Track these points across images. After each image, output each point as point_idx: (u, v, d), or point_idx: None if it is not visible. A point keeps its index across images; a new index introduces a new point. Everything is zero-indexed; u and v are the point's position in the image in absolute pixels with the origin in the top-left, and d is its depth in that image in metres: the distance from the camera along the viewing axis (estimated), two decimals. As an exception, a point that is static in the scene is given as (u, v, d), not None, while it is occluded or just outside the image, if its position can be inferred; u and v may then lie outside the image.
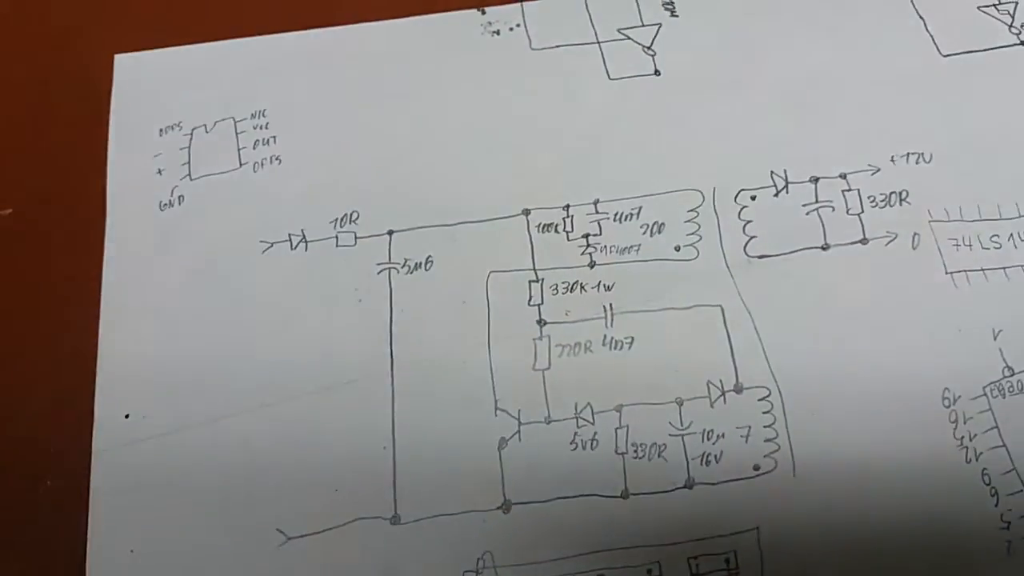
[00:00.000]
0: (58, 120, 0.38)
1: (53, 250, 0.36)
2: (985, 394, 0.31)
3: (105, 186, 0.37)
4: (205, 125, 0.38)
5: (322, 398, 0.32)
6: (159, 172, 0.37)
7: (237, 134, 0.37)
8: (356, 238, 0.35)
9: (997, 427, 0.31)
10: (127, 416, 0.33)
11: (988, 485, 0.30)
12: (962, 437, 0.31)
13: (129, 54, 0.39)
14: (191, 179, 0.37)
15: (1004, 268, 0.33)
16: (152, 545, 0.31)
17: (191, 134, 0.37)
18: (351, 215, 0.35)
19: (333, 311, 0.34)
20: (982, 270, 0.33)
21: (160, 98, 0.38)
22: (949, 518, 0.29)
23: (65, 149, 0.38)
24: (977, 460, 0.30)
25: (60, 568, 0.31)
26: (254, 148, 0.37)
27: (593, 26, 0.38)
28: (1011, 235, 0.33)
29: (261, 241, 0.35)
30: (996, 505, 0.30)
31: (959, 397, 0.31)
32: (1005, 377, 0.31)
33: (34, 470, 0.33)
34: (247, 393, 0.33)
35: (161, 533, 0.31)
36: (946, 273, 0.33)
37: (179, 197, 0.36)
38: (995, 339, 0.32)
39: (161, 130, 0.38)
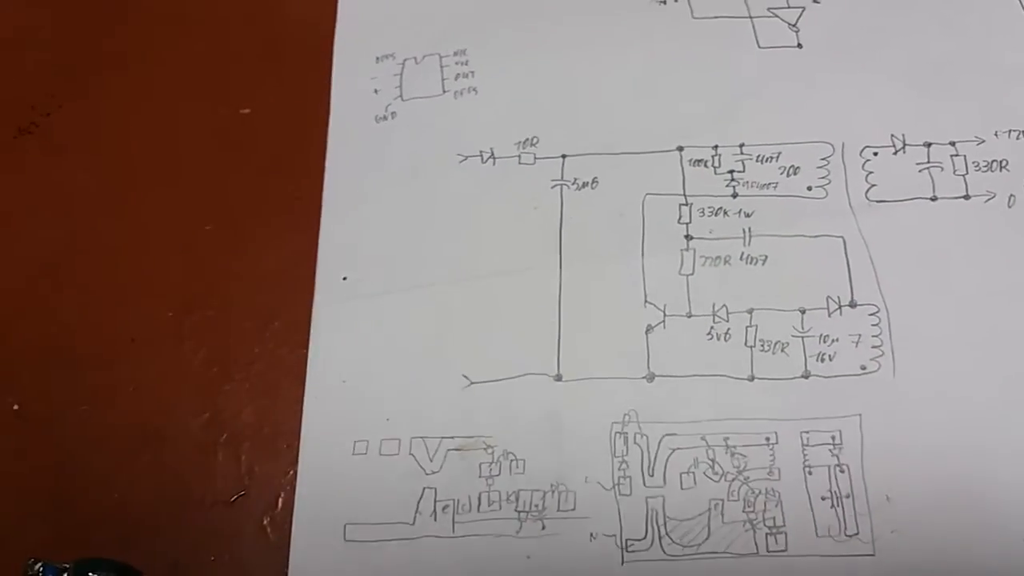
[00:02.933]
0: (292, 43, 0.46)
1: (284, 145, 0.44)
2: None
3: (329, 99, 0.45)
4: (415, 57, 0.45)
5: (503, 279, 0.40)
6: (375, 92, 0.45)
7: (442, 67, 0.45)
8: (535, 158, 0.42)
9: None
10: (344, 278, 0.40)
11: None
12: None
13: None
14: (402, 100, 0.44)
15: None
16: (360, 379, 0.38)
17: (403, 64, 0.45)
18: (532, 139, 0.43)
19: (514, 215, 0.41)
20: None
21: (378, 31, 0.46)
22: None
23: (297, 66, 0.46)
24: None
25: (283, 387, 0.38)
26: (455, 80, 0.44)
27: (747, 4, 0.45)
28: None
29: (457, 154, 0.43)
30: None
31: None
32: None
33: (265, 313, 0.40)
34: (442, 269, 0.40)
35: (368, 370, 0.38)
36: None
37: (392, 113, 0.44)
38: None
39: (377, 58, 0.45)
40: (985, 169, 0.40)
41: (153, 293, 0.40)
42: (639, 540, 0.34)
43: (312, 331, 0.39)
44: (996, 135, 0.41)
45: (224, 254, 0.41)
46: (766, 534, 0.34)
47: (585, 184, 0.41)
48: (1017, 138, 0.41)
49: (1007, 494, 0.34)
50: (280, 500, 0.36)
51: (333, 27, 0.46)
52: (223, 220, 0.42)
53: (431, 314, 0.39)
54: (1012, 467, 0.35)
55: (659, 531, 0.34)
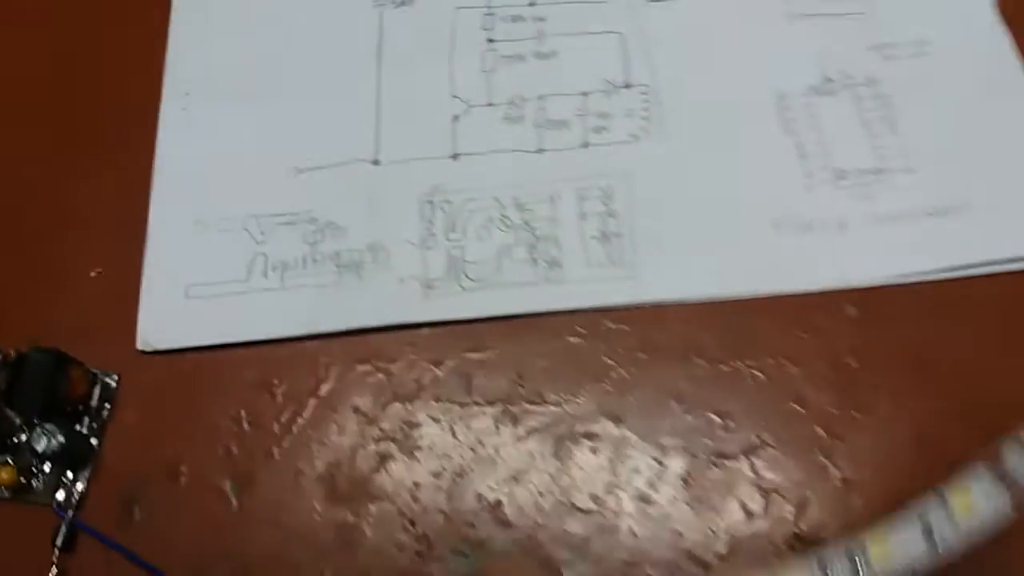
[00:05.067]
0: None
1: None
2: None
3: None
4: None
5: (328, 82, 0.46)
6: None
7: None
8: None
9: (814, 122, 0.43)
10: (187, 94, 0.46)
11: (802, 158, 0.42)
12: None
13: None
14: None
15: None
16: (201, 173, 0.44)
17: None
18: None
19: (340, 29, 0.47)
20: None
21: None
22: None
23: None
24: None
25: (134, 182, 0.44)
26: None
27: None
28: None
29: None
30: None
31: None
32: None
33: (118, 120, 0.46)
34: (277, 81, 0.46)
35: (209, 165, 0.44)
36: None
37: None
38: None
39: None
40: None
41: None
42: (440, 279, 0.40)
43: (159, 134, 0.45)
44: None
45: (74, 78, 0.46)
46: (545, 267, 0.40)
47: (403, 3, 0.47)
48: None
49: (745, 226, 0.40)
50: (131, 272, 0.41)
51: None
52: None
53: (266, 118, 0.45)
54: (751, 208, 0.41)
55: (457, 272, 0.40)
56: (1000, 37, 0.43)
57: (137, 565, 0.36)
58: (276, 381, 0.39)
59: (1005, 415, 0.34)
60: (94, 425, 0.39)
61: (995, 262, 0.38)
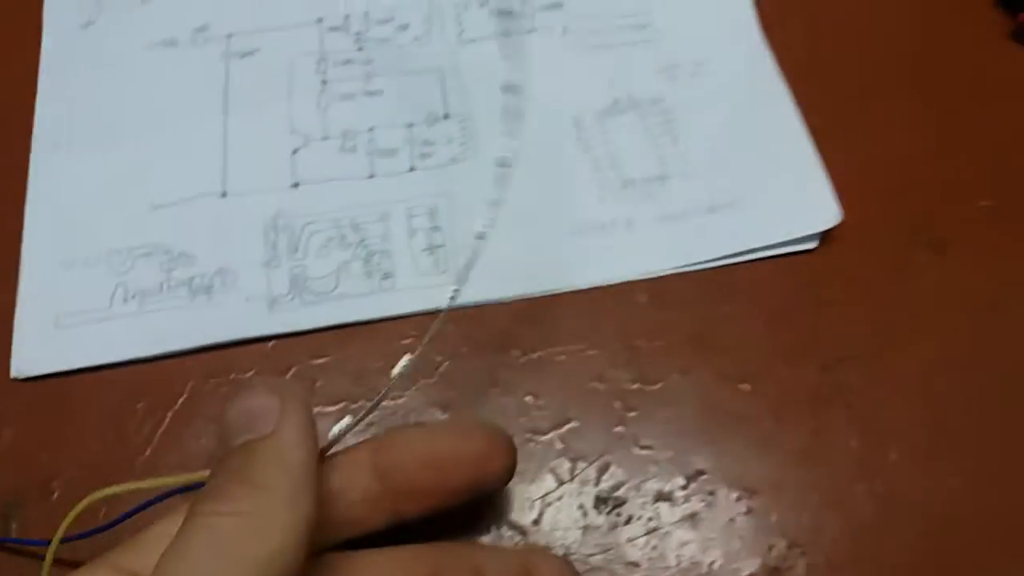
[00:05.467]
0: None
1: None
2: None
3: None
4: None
5: (180, 125, 0.51)
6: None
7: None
8: (206, 40, 0.53)
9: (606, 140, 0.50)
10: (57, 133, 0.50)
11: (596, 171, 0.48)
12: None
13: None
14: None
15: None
16: (68, 212, 0.48)
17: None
18: (203, 26, 0.54)
19: (191, 79, 0.52)
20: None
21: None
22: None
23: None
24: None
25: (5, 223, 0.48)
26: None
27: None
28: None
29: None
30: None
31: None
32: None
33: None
34: (133, 126, 0.51)
35: (75, 204, 0.49)
36: None
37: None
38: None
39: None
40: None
41: None
42: (284, 295, 0.45)
43: (30, 181, 0.49)
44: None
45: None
46: (380, 279, 0.45)
47: (247, 54, 0.52)
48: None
49: (551, 233, 0.46)
50: (3, 306, 0.45)
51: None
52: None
53: (125, 161, 0.49)
54: (555, 217, 0.47)
55: (299, 287, 0.45)
56: (763, 53, 0.50)
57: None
58: (138, 398, 0.43)
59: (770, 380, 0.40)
60: (-32, 451, 0.42)
61: (759, 248, 0.45)
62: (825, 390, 0.41)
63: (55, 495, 0.41)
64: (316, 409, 0.42)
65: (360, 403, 0.43)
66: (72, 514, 0.35)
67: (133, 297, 0.45)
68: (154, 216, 0.48)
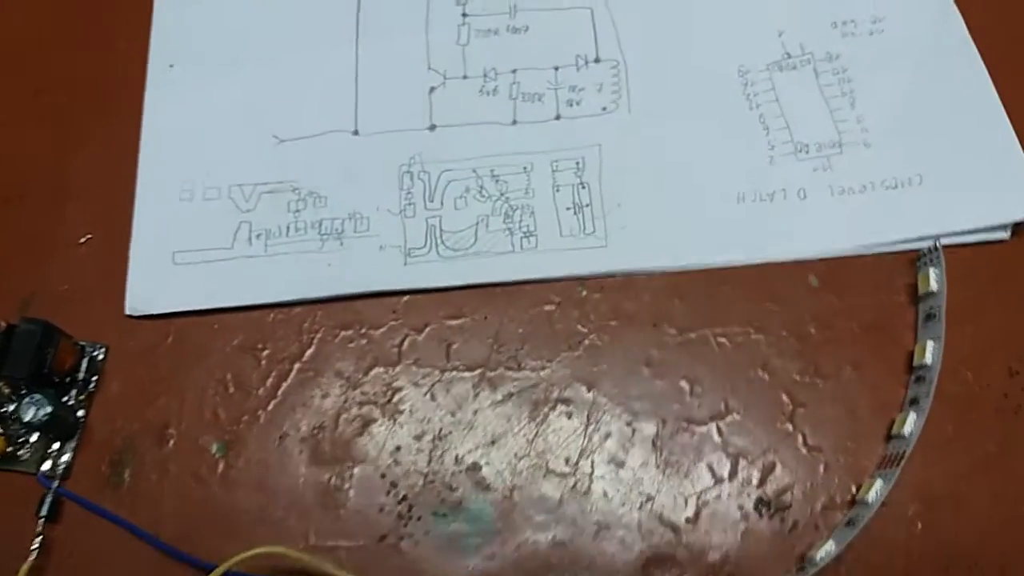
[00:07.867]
0: None
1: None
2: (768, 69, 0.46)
3: None
4: None
5: (309, 52, 0.46)
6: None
7: None
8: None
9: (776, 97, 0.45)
10: (171, 66, 0.47)
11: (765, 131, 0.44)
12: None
13: None
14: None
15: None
16: (185, 142, 0.45)
17: None
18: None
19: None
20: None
21: None
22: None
23: None
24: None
25: (123, 151, 0.45)
26: None
27: None
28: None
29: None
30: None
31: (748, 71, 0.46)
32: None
33: (106, 94, 0.46)
34: (256, 50, 0.47)
35: (193, 135, 0.45)
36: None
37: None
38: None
39: None
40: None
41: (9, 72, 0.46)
42: (419, 248, 0.42)
43: (146, 103, 0.45)
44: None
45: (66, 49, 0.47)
46: (521, 237, 0.42)
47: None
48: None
49: (711, 198, 0.42)
50: (119, 239, 0.42)
51: None
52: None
53: (247, 87, 0.46)
54: (716, 180, 0.43)
55: (436, 240, 0.42)
56: (951, 13, 0.45)
57: (124, 528, 0.37)
58: (261, 346, 0.40)
59: (952, 381, 0.36)
60: (81, 397, 0.39)
61: (945, 235, 0.40)
62: (1014, 395, 0.37)
63: (170, 443, 0.39)
64: (451, 374, 0.39)
65: (497, 371, 0.39)
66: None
67: (258, 237, 0.42)
68: (280, 150, 0.44)
